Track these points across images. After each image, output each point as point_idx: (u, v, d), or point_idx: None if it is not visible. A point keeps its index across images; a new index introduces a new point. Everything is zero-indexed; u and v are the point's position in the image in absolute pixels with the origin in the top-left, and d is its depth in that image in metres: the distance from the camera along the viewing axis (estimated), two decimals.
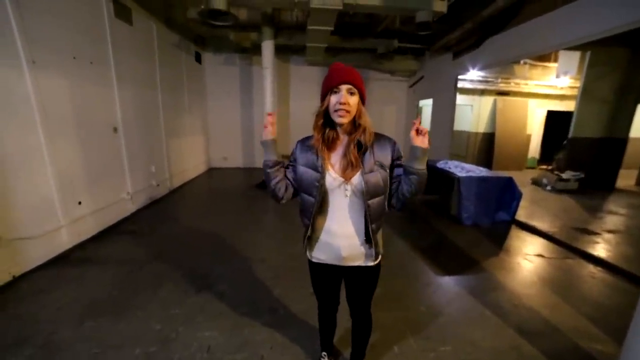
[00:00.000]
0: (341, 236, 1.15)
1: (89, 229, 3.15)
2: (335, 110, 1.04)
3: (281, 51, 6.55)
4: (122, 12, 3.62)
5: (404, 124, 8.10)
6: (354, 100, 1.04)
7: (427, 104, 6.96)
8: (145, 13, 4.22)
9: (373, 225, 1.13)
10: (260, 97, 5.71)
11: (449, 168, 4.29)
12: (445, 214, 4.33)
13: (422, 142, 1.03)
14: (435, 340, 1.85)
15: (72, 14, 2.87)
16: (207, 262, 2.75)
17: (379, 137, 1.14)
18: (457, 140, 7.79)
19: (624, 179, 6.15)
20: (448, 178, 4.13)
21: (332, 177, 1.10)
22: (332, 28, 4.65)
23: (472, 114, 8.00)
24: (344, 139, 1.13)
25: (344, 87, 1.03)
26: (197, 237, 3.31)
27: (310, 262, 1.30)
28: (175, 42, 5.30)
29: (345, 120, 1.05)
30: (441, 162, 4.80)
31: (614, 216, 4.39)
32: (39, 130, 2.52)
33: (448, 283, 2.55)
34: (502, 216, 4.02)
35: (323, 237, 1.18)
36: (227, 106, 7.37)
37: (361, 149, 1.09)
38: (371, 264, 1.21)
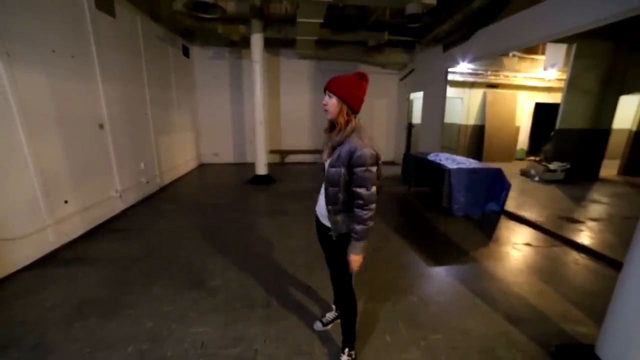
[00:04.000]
0: (321, 200, 1.49)
1: (76, 228, 3.09)
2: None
3: (271, 44, 6.45)
4: (103, 4, 3.49)
5: (395, 117, 8.13)
6: (332, 101, 1.33)
7: (418, 97, 6.99)
8: (129, 5, 4.08)
9: (329, 207, 1.39)
10: (251, 92, 5.63)
11: (440, 160, 4.33)
12: (436, 205, 4.40)
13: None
14: (426, 329, 1.89)
15: (48, 4, 2.75)
16: (199, 258, 2.73)
17: (353, 138, 1.30)
18: (448, 132, 7.88)
19: (607, 169, 6.34)
20: (439, 170, 4.17)
21: (323, 158, 1.44)
22: (321, 20, 4.59)
23: (462, 106, 8.07)
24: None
25: (327, 92, 1.35)
26: (188, 234, 3.28)
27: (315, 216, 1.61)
28: (162, 35, 5.15)
29: (329, 115, 1.37)
30: (432, 154, 4.84)
31: (598, 205, 4.53)
32: (19, 127, 2.43)
33: (439, 273, 2.60)
34: (492, 207, 4.10)
35: (319, 198, 1.53)
36: (216, 101, 7.25)
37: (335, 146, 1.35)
38: (332, 231, 1.43)
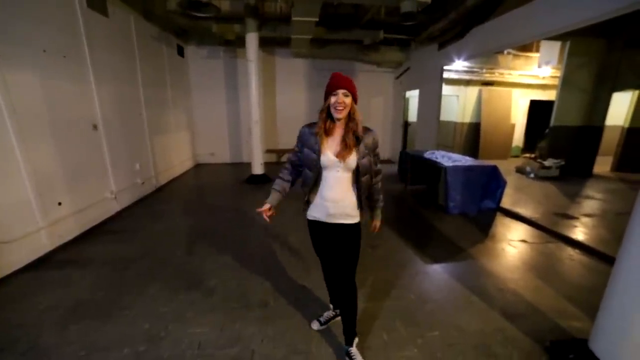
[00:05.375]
0: (330, 200, 1.48)
1: (71, 230, 3.06)
2: (335, 108, 1.39)
3: (266, 43, 6.42)
4: (95, 3, 3.44)
5: (391, 115, 8.14)
6: (348, 100, 1.39)
7: (413, 95, 7.00)
8: (122, 4, 4.03)
9: (364, 196, 1.50)
10: (246, 91, 5.61)
11: (436, 158, 4.35)
12: (432, 203, 4.41)
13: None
14: (423, 327, 1.90)
15: (39, 3, 2.71)
16: (196, 259, 2.72)
17: (366, 130, 1.47)
18: (444, 130, 7.89)
19: (600, 165, 6.41)
20: (435, 168, 4.19)
21: (328, 157, 1.43)
22: (316, 19, 4.57)
23: (458, 104, 8.10)
24: (339, 129, 1.46)
25: (341, 91, 1.37)
26: (185, 235, 3.26)
27: (308, 221, 1.61)
28: (156, 34, 5.10)
29: (341, 115, 1.40)
30: (428, 152, 4.86)
31: (591, 201, 4.58)
32: (9, 129, 2.39)
33: (436, 271, 2.61)
34: (488, 204, 4.13)
35: (317, 200, 1.52)
36: (212, 101, 7.21)
37: (357, 139, 1.43)
38: (353, 222, 1.51)
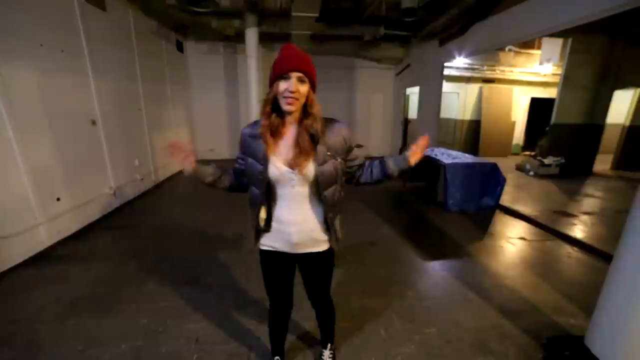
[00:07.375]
0: (291, 223, 1.12)
1: (70, 226, 3.05)
2: (284, 97, 0.98)
3: (266, 39, 6.37)
4: None
5: (391, 112, 8.10)
6: (304, 88, 0.99)
7: (414, 92, 6.97)
8: None
9: (330, 214, 1.13)
10: (246, 87, 5.58)
11: (436, 155, 4.34)
12: (431, 200, 4.41)
13: (416, 159, 1.17)
14: (420, 323, 1.91)
15: None
16: (194, 255, 2.72)
17: (329, 123, 1.09)
18: (444, 127, 7.87)
19: (601, 164, 6.40)
20: (434, 165, 4.18)
21: (277, 167, 1.05)
22: (316, 14, 4.54)
23: (458, 101, 8.06)
24: (291, 127, 1.06)
25: (295, 75, 0.97)
26: (183, 231, 3.26)
27: (262, 252, 1.25)
28: (155, 29, 5.06)
29: (293, 108, 1.00)
30: (428, 149, 4.84)
31: (591, 199, 4.58)
32: (6, 123, 2.38)
33: (434, 268, 2.61)
34: (487, 202, 4.13)
35: (274, 225, 1.15)
36: (212, 96, 7.17)
37: (313, 139, 1.04)
38: (324, 249, 1.20)
